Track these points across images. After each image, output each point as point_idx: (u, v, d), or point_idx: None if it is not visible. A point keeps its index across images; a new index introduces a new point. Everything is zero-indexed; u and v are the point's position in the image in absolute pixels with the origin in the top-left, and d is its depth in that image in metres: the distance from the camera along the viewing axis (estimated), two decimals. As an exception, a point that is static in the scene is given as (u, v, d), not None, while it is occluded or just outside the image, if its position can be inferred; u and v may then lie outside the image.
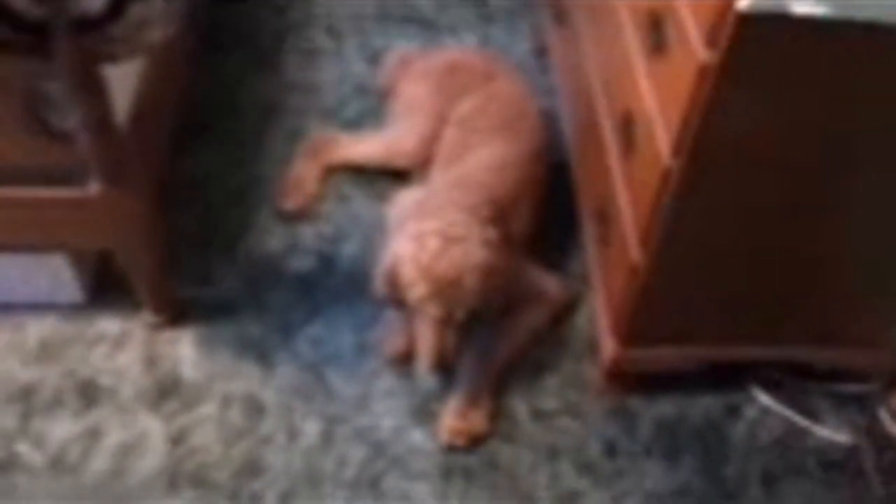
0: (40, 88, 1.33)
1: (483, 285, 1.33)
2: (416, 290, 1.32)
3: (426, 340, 1.35)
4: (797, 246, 1.31)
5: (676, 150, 1.18)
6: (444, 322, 1.33)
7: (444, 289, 1.31)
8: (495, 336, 1.53)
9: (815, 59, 1.06)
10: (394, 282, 1.37)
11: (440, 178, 1.66)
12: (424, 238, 1.34)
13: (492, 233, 1.40)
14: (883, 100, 1.11)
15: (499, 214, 1.50)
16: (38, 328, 1.55)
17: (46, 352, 1.53)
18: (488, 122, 1.70)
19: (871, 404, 1.50)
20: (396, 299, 1.40)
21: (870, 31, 1.02)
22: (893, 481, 1.43)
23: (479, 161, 1.62)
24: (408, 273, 1.33)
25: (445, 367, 1.37)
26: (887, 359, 1.48)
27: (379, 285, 1.43)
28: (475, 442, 1.45)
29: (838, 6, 1.00)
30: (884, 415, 1.51)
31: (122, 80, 1.40)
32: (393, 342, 1.53)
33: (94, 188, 1.32)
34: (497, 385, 1.51)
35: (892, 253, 1.33)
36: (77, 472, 1.39)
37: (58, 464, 1.39)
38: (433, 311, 1.32)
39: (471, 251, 1.34)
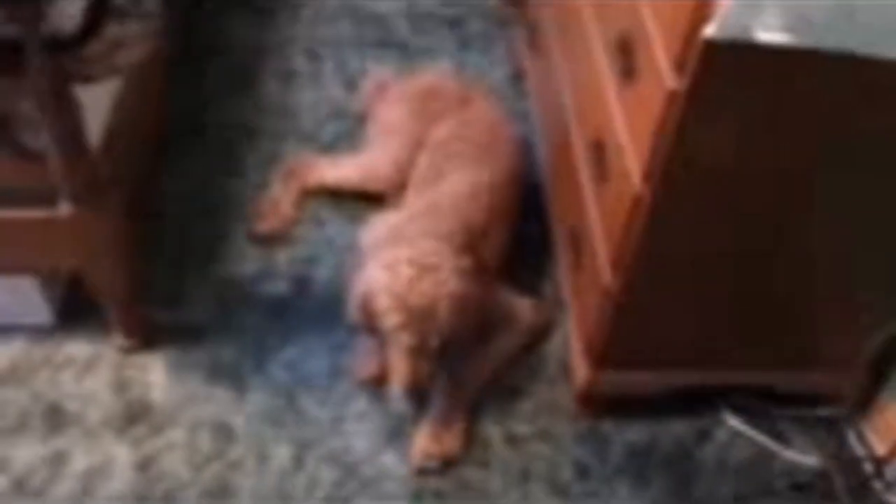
0: (12, 108, 1.32)
1: (456, 314, 1.34)
2: (390, 319, 1.33)
3: (399, 368, 1.35)
4: (765, 269, 1.33)
5: (647, 175, 1.20)
6: (418, 350, 1.33)
7: (418, 318, 1.32)
8: (469, 359, 1.53)
9: (781, 85, 1.08)
10: (367, 310, 1.38)
11: (415, 203, 1.66)
12: (398, 267, 1.35)
13: (465, 261, 1.41)
14: (847, 125, 1.14)
15: (472, 241, 1.51)
16: (5, 351, 1.53)
17: (13, 374, 1.50)
18: (464, 147, 1.71)
19: (839, 427, 1.51)
20: (370, 326, 1.40)
21: (834, 60, 1.04)
22: (862, 502, 1.44)
23: (454, 186, 1.63)
24: (381, 302, 1.34)
25: (418, 394, 1.37)
26: (853, 382, 1.50)
27: (352, 312, 1.43)
28: (447, 465, 1.44)
29: (803, 35, 1.02)
30: (852, 438, 1.53)
31: (96, 101, 1.40)
32: (365, 366, 1.53)
33: (64, 209, 1.31)
34: (470, 408, 1.51)
35: (857, 274, 1.35)
36: (42, 496, 1.36)
37: (22, 487, 1.37)
38: (406, 339, 1.33)
39: (444, 280, 1.34)
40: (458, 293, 1.35)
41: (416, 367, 1.34)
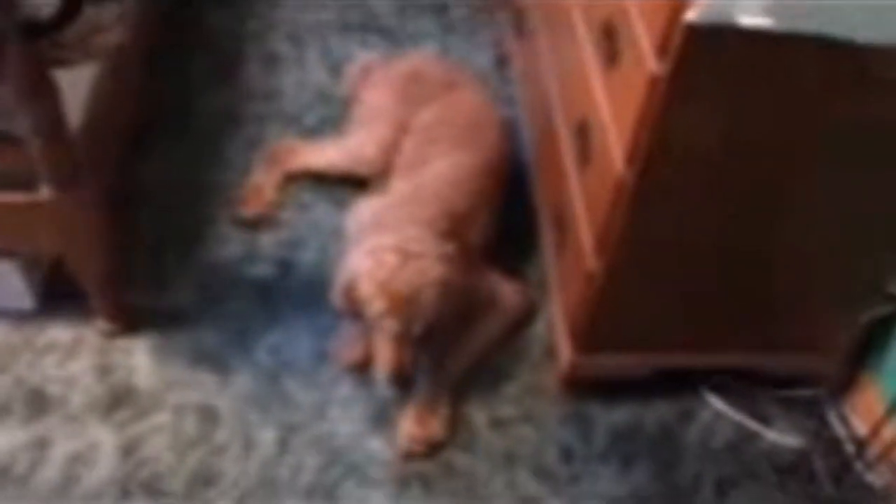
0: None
1: (440, 301, 1.35)
2: (374, 306, 1.34)
3: (383, 354, 1.36)
4: (748, 252, 1.34)
5: (630, 158, 1.20)
6: (402, 336, 1.34)
7: (402, 305, 1.32)
8: (454, 343, 1.53)
9: (762, 70, 1.09)
10: (351, 296, 1.38)
11: (400, 187, 1.66)
12: (382, 253, 1.35)
13: (449, 247, 1.42)
14: (828, 108, 1.14)
15: (456, 226, 1.51)
16: (-14, 336, 1.52)
17: (-5, 360, 1.50)
18: (449, 131, 1.71)
19: (820, 408, 1.53)
20: (354, 312, 1.40)
21: (815, 43, 1.05)
22: (843, 483, 1.46)
23: (439, 171, 1.62)
24: (365, 289, 1.34)
25: (403, 380, 1.38)
26: (835, 363, 1.51)
27: (336, 299, 1.43)
28: (433, 449, 1.45)
29: (784, 19, 1.02)
30: (833, 418, 1.55)
31: (74, 85, 1.38)
32: (350, 351, 1.53)
33: (45, 193, 1.30)
34: (455, 392, 1.52)
35: (838, 258, 1.36)
36: (25, 481, 1.36)
37: (5, 473, 1.36)
38: (391, 326, 1.33)
39: (428, 267, 1.35)
40: (442, 280, 1.35)
41: (400, 353, 1.34)
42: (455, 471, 1.45)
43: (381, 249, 1.36)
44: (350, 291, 1.38)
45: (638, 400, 1.56)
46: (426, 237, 1.40)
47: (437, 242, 1.40)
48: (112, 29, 1.32)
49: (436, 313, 1.35)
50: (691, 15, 1.01)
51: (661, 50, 1.08)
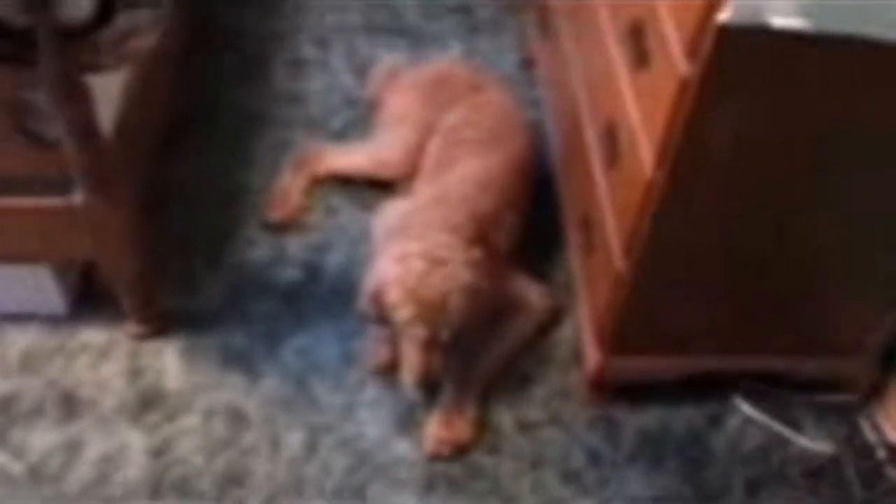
0: (25, 97, 1.33)
1: (467, 306, 1.35)
2: (402, 313, 1.34)
3: (411, 360, 1.37)
4: (779, 256, 1.33)
5: (659, 160, 1.19)
6: (429, 342, 1.35)
7: (430, 311, 1.33)
8: (481, 346, 1.53)
9: (794, 71, 1.08)
10: (379, 302, 1.39)
11: (426, 190, 1.66)
12: (409, 260, 1.36)
13: (476, 253, 1.42)
14: (861, 109, 1.13)
15: (483, 230, 1.51)
16: (19, 339, 1.54)
17: (28, 363, 1.52)
18: (475, 134, 1.71)
19: (851, 413, 1.51)
20: (382, 318, 1.41)
21: (847, 44, 1.03)
22: (874, 489, 1.44)
23: (465, 174, 1.63)
24: (393, 295, 1.35)
25: (430, 386, 1.39)
26: (866, 368, 1.49)
27: (364, 305, 1.44)
28: (459, 451, 1.45)
29: (816, 20, 1.01)
30: (864, 424, 1.53)
31: (108, 89, 1.40)
32: (377, 353, 1.53)
33: (78, 197, 1.32)
34: (482, 395, 1.51)
35: (871, 262, 1.34)
36: (58, 481, 1.38)
37: (38, 473, 1.38)
38: (418, 332, 1.34)
39: (455, 273, 1.35)
40: (469, 286, 1.36)
41: (428, 359, 1.35)
42: (481, 473, 1.44)
43: (409, 256, 1.36)
44: (378, 298, 1.39)
45: (666, 404, 1.55)
46: (453, 243, 1.40)
47: (464, 248, 1.40)
48: (145, 33, 1.33)
49: (462, 319, 1.36)
50: (723, 16, 1.00)
51: (692, 51, 1.08)
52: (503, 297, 1.54)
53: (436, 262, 1.35)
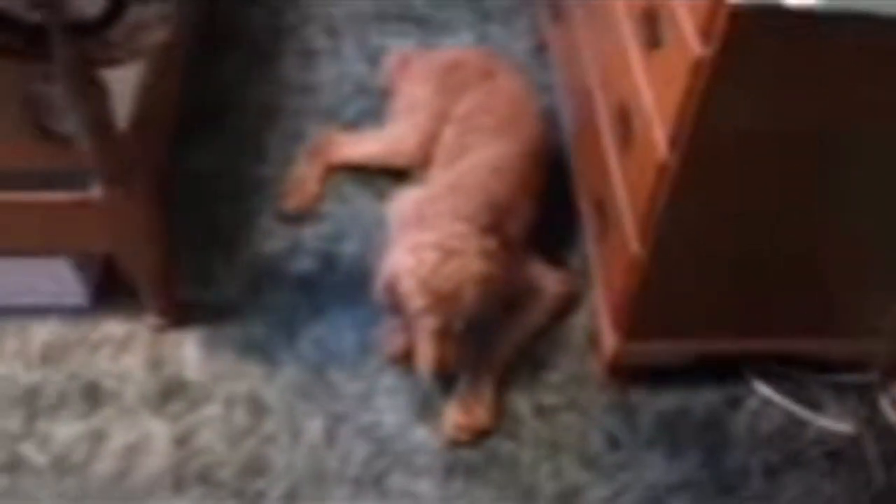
0: (41, 92, 1.34)
1: (481, 296, 1.36)
2: (415, 303, 1.35)
3: (426, 351, 1.38)
4: (794, 238, 1.32)
5: (673, 143, 1.19)
6: (443, 332, 1.36)
7: (443, 301, 1.34)
8: (498, 332, 1.54)
9: (809, 53, 1.06)
10: (393, 292, 1.40)
11: (440, 178, 1.66)
12: (423, 251, 1.37)
13: (490, 242, 1.42)
14: (878, 93, 1.11)
15: (498, 218, 1.52)
16: (42, 331, 1.56)
17: (50, 355, 1.54)
18: (488, 120, 1.70)
19: (871, 393, 1.50)
20: (396, 308, 1.42)
21: (864, 23, 1.02)
22: (895, 470, 1.43)
23: (479, 161, 1.63)
24: (407, 285, 1.36)
25: (445, 375, 1.40)
26: (885, 347, 1.48)
27: (378, 295, 1.45)
28: (478, 437, 1.46)
29: (830, -1, 1.00)
30: (884, 403, 1.52)
31: (123, 83, 1.41)
32: (393, 341, 1.54)
33: (96, 191, 1.33)
34: (500, 380, 1.52)
35: (888, 239, 1.33)
36: (82, 472, 1.40)
37: (62, 464, 1.40)
38: (432, 322, 1.35)
39: (468, 263, 1.36)
40: (483, 276, 1.36)
41: (443, 349, 1.36)
42: (500, 459, 1.45)
43: (423, 247, 1.37)
44: (392, 288, 1.40)
45: (684, 387, 1.55)
46: (467, 233, 1.40)
47: (478, 238, 1.41)
48: (157, 27, 1.34)
49: (477, 309, 1.36)
50: (736, -4, 1.00)
51: (705, 33, 1.07)
52: (518, 284, 1.55)
53: (449, 252, 1.36)
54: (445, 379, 1.41)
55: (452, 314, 1.35)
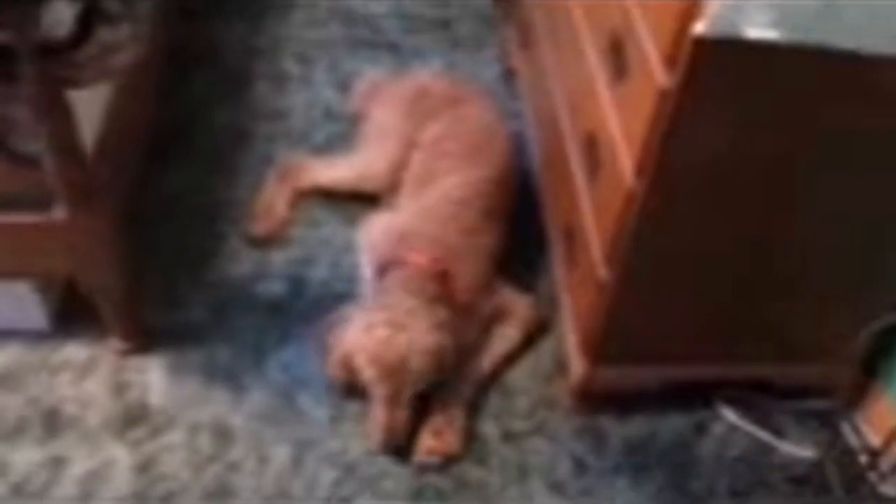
0: (6, 113, 1.32)
1: (431, 366, 1.42)
2: (366, 373, 1.42)
3: (376, 416, 1.42)
4: (759, 265, 1.34)
5: (639, 171, 1.21)
6: (393, 400, 1.41)
7: (391, 372, 1.40)
8: (469, 358, 1.54)
9: (770, 82, 1.09)
10: (348, 367, 1.46)
11: (409, 203, 1.67)
12: (374, 329, 1.43)
13: (440, 312, 1.46)
14: (839, 121, 1.15)
15: (466, 244, 1.56)
16: (1, 355, 1.53)
17: (10, 380, 1.50)
18: (457, 146, 1.72)
19: (833, 420, 1.52)
20: (350, 383, 1.47)
21: (822, 55, 1.05)
22: (857, 493, 1.45)
23: (448, 187, 1.64)
24: (359, 359, 1.43)
25: (396, 446, 1.44)
26: (847, 374, 1.51)
27: (333, 370, 1.49)
28: (448, 461, 1.45)
29: (789, 31, 1.03)
30: (846, 429, 1.54)
31: (89, 105, 1.40)
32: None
33: (60, 214, 1.31)
34: (471, 406, 1.52)
35: (848, 266, 1.36)
36: (41, 499, 1.36)
37: (21, 492, 1.37)
38: (382, 390, 1.41)
39: (416, 338, 1.41)
40: (431, 348, 1.41)
41: (392, 415, 1.41)
42: (468, 484, 1.44)
43: (374, 325, 1.43)
44: (346, 363, 1.46)
45: (651, 413, 1.56)
46: (416, 309, 1.45)
47: (427, 310, 1.45)
48: (125, 49, 1.33)
49: (425, 378, 1.42)
50: (699, 28, 1.02)
51: (670, 63, 1.09)
52: (490, 306, 1.58)
53: (398, 328, 1.42)
54: (395, 451, 1.44)
55: (401, 383, 1.41)
